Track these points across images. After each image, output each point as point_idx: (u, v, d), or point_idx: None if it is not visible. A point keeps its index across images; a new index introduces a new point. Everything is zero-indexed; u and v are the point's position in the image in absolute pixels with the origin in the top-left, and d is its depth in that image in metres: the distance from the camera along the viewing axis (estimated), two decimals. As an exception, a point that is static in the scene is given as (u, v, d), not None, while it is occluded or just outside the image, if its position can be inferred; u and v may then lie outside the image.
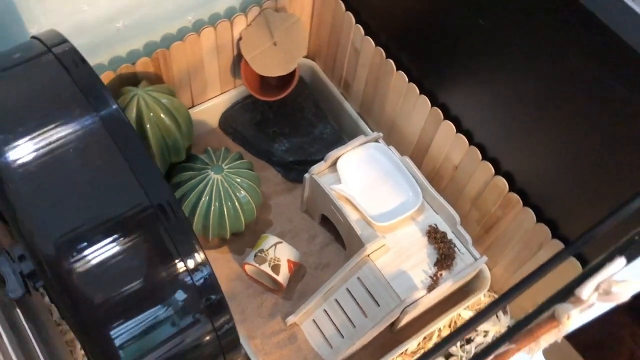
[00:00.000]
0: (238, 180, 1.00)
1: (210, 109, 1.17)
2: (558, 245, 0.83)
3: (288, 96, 1.17)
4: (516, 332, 0.50)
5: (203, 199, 0.97)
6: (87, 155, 0.61)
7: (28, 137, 0.58)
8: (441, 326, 1.02)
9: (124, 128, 0.61)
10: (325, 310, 0.99)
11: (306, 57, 1.23)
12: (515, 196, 0.87)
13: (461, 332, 0.47)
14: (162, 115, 0.95)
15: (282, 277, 1.00)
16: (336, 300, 0.98)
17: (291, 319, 1.00)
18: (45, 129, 0.59)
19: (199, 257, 0.62)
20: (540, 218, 0.85)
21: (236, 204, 1.00)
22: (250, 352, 0.96)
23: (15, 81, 0.61)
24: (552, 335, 0.62)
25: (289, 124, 1.17)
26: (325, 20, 1.11)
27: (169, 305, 0.61)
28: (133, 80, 0.98)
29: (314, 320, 1.00)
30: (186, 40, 0.99)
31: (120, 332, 0.60)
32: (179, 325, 0.62)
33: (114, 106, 0.60)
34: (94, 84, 0.61)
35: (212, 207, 0.98)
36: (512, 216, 0.90)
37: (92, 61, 0.67)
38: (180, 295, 0.62)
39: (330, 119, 1.20)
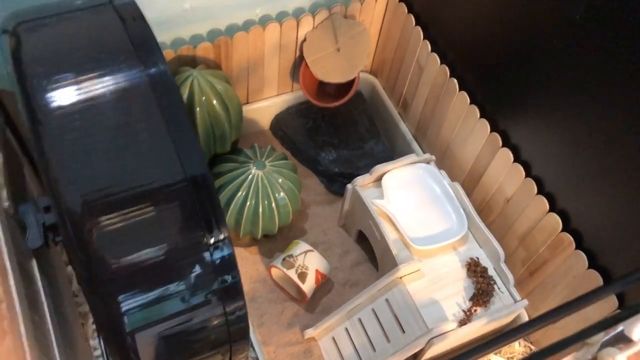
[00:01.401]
0: (279, 180, 0.97)
1: (264, 108, 1.15)
2: (610, 297, 0.75)
3: (343, 108, 1.15)
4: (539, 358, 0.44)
5: (240, 193, 0.95)
6: (128, 112, 0.59)
7: (73, 83, 0.57)
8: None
9: (170, 90, 0.60)
10: (346, 329, 0.94)
11: (369, 72, 1.20)
12: (568, 237, 0.81)
13: None
14: (214, 102, 0.94)
15: (308, 286, 0.96)
16: (360, 320, 0.92)
17: (310, 332, 0.95)
18: (91, 77, 0.57)
19: (222, 235, 0.59)
20: (592, 264, 0.78)
21: (273, 204, 0.97)
22: (262, 358, 0.92)
23: (70, 25, 0.60)
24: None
25: (340, 135, 1.14)
26: (393, 33, 1.09)
27: (182, 278, 0.58)
28: (192, 63, 0.97)
29: (333, 337, 0.95)
30: (250, 32, 0.98)
31: (128, 298, 0.57)
32: (189, 300, 0.59)
33: (163, 67, 0.59)
34: (147, 41, 0.59)
35: (248, 203, 0.95)
36: (562, 259, 0.83)
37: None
38: (195, 270, 0.58)
39: (383, 137, 1.17)
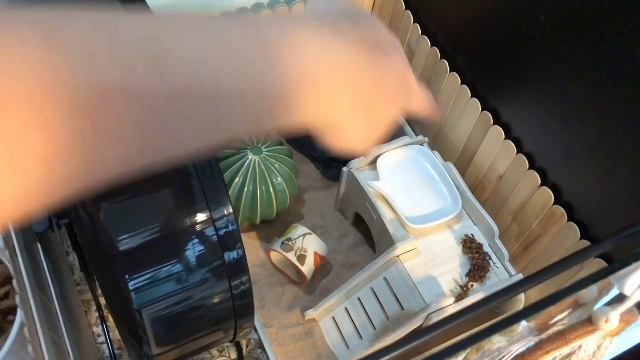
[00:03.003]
0: (276, 165, 0.98)
1: (258, 97, 1.17)
2: (601, 266, 0.78)
3: (337, 94, 1.16)
4: (530, 315, 0.45)
5: (237, 179, 0.96)
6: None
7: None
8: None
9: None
10: (346, 309, 0.95)
11: (360, 59, 1.22)
12: (560, 209, 0.83)
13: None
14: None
15: (307, 269, 0.97)
16: (359, 299, 0.94)
17: (310, 314, 0.97)
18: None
19: (226, 211, 0.60)
20: (584, 235, 0.81)
21: (270, 189, 0.98)
22: (265, 339, 0.93)
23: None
24: (592, 341, 0.57)
25: (334, 121, 1.16)
26: (384, 18, 1.10)
27: (189, 253, 0.60)
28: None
29: (333, 317, 0.97)
30: (275, 11, 0.99)
31: (135, 275, 0.59)
32: (195, 276, 0.60)
33: None
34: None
35: (246, 189, 0.97)
36: (555, 232, 0.85)
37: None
38: (201, 246, 0.60)
39: (376, 122, 1.18)
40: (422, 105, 0.45)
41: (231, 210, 0.60)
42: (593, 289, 0.58)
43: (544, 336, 0.56)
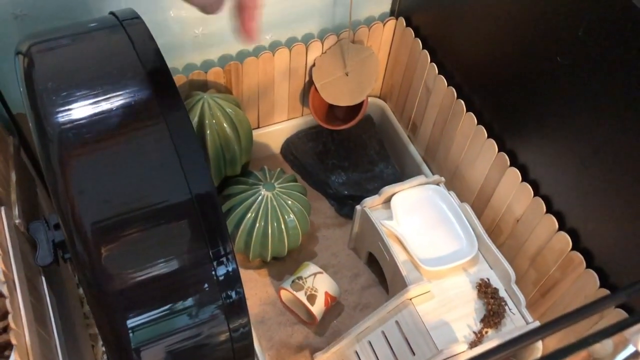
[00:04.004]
0: (289, 202, 0.97)
1: (275, 133, 1.17)
2: (622, 316, 0.74)
3: (352, 132, 1.16)
4: None
5: (249, 214, 0.96)
6: (136, 130, 0.60)
7: (82, 100, 0.58)
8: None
9: (178, 108, 0.61)
10: (356, 352, 0.93)
11: (378, 97, 1.22)
12: (578, 256, 0.80)
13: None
14: (224, 124, 0.95)
15: (317, 309, 0.95)
16: (369, 342, 0.91)
17: (319, 356, 0.94)
18: (100, 95, 0.59)
19: (226, 250, 0.59)
20: (603, 283, 0.77)
21: (282, 226, 0.97)
22: (271, 380, 0.91)
23: (81, 45, 0.62)
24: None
25: (350, 158, 1.15)
26: (401, 58, 1.10)
27: (187, 293, 0.58)
28: (203, 87, 0.99)
29: (343, 361, 0.94)
30: (260, 58, 1.00)
31: (133, 313, 0.57)
32: (193, 316, 0.59)
33: (171, 85, 0.60)
34: (156, 60, 0.61)
35: (257, 225, 0.96)
36: (573, 279, 0.82)
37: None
38: (200, 286, 0.59)
39: (393, 160, 1.17)
40: None
41: (231, 248, 0.59)
42: (608, 344, 0.55)
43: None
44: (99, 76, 0.59)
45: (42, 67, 0.59)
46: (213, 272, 0.58)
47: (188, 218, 0.58)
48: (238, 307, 0.60)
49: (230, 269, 0.59)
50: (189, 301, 0.59)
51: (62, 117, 0.56)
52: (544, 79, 0.80)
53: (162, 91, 0.59)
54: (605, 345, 0.55)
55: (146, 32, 0.64)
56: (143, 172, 0.60)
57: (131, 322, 0.57)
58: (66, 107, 0.56)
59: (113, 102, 0.58)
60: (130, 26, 0.63)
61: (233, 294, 0.60)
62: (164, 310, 0.58)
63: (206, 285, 0.59)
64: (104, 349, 0.92)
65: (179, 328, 0.59)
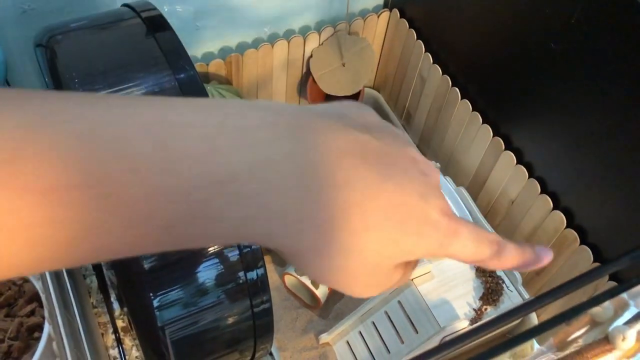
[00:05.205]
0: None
1: (272, 124, 1.19)
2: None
3: (349, 121, 1.19)
4: (538, 334, 0.46)
5: (253, 202, 0.98)
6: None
7: (106, 87, 0.60)
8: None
9: (200, 93, 0.63)
10: (360, 333, 0.96)
11: (372, 87, 1.25)
12: (572, 233, 0.84)
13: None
14: (226, 115, 0.97)
15: (321, 292, 0.98)
16: (373, 323, 0.95)
17: (324, 337, 0.97)
18: (123, 82, 0.61)
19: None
20: (597, 259, 0.82)
21: (285, 213, 1.00)
22: (279, 362, 0.94)
23: (100, 36, 0.64)
24: None
25: (347, 147, 1.18)
26: (395, 49, 1.13)
27: (212, 271, 0.61)
28: (205, 79, 1.02)
29: (347, 341, 0.97)
30: (260, 50, 1.02)
31: (159, 292, 0.60)
32: (217, 294, 0.61)
33: (191, 71, 0.63)
34: (176, 47, 0.63)
35: (261, 213, 0.98)
36: (567, 256, 0.86)
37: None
38: (224, 264, 0.61)
39: (388, 149, 1.20)
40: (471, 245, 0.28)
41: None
42: (609, 307, 0.59)
43: (561, 354, 0.57)
44: (122, 65, 0.61)
45: (66, 59, 0.61)
46: (237, 250, 0.61)
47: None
48: (261, 284, 0.63)
49: (253, 247, 0.62)
50: (214, 279, 0.61)
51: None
52: (538, 65, 0.83)
53: (185, 80, 0.61)
54: (605, 309, 0.59)
55: (164, 22, 0.66)
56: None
57: (158, 301, 0.60)
58: (93, 95, 0.58)
59: (137, 90, 0.60)
60: (148, 16, 0.66)
61: (256, 272, 0.63)
62: (189, 289, 0.61)
63: (230, 263, 0.61)
64: (113, 337, 0.94)
65: (204, 306, 0.62)
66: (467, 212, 0.98)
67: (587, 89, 0.77)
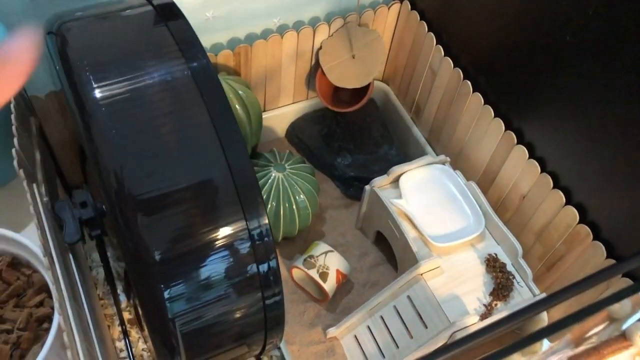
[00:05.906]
0: (299, 182, 0.99)
1: (280, 116, 1.18)
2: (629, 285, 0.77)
3: (357, 115, 1.18)
4: (549, 334, 0.45)
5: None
6: (173, 103, 0.61)
7: (119, 75, 0.59)
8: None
9: (212, 80, 0.62)
10: (368, 327, 0.95)
11: (381, 80, 1.24)
12: (585, 228, 0.83)
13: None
14: (236, 106, 0.96)
15: (329, 286, 0.97)
16: (382, 317, 0.94)
17: (332, 331, 0.96)
18: (136, 69, 0.60)
19: (262, 221, 0.61)
20: (611, 254, 0.81)
21: (293, 206, 0.99)
22: (287, 356, 0.93)
23: (112, 23, 0.63)
24: (626, 357, 0.57)
25: (355, 140, 1.17)
26: (405, 41, 1.12)
27: (224, 263, 0.60)
28: (213, 70, 1.00)
29: (355, 336, 0.96)
30: (269, 40, 1.01)
31: (170, 284, 0.59)
32: (229, 286, 0.61)
33: (204, 59, 0.62)
34: (188, 35, 0.62)
35: (269, 206, 0.97)
36: (579, 252, 0.85)
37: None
38: (236, 256, 0.60)
39: (397, 142, 1.19)
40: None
41: (267, 221, 0.60)
42: (627, 304, 0.58)
43: (577, 350, 0.56)
44: (134, 53, 0.60)
45: (78, 46, 0.60)
46: (250, 243, 0.60)
47: (224, 189, 0.59)
48: (273, 277, 0.62)
49: (265, 239, 0.61)
50: (226, 271, 0.61)
51: (101, 94, 0.57)
52: (552, 57, 0.82)
53: (198, 69, 0.60)
54: (623, 306, 0.58)
55: (177, 10, 0.65)
56: (182, 146, 0.61)
57: (168, 293, 0.59)
58: (105, 83, 0.57)
59: (150, 78, 0.59)
60: (159, 4, 0.65)
61: (268, 265, 0.62)
62: (200, 281, 0.60)
63: (242, 256, 0.61)
64: (120, 329, 0.93)
65: (215, 298, 0.61)
66: (477, 206, 0.97)
67: (602, 83, 0.76)
